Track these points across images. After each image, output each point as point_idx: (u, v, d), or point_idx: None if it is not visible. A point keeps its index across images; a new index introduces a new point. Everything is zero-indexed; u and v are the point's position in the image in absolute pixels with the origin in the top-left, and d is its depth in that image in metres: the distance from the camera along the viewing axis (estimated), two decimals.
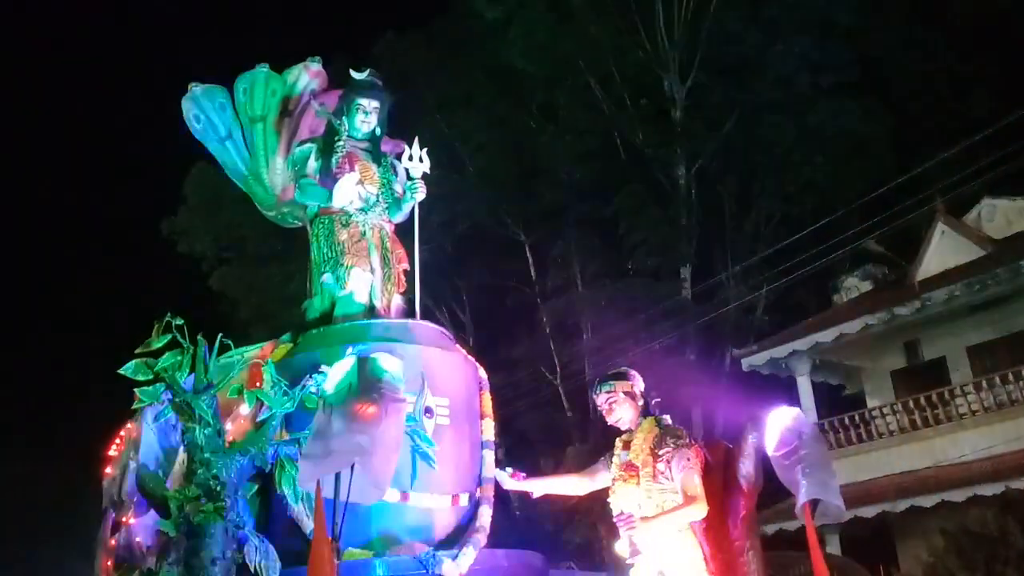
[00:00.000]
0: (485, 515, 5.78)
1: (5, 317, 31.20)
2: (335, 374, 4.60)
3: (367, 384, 4.38)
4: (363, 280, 6.36)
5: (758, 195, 22.20)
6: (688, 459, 4.75)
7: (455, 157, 24.35)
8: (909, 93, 22.09)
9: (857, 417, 17.19)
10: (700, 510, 4.67)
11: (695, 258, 22.16)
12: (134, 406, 4.91)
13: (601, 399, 5.11)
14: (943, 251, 17.11)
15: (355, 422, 4.17)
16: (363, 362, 4.54)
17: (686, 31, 22.45)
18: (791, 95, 21.25)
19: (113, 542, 5.43)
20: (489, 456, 6.04)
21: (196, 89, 6.93)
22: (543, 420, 22.75)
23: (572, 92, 23.45)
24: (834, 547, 16.41)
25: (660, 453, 4.81)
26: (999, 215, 17.48)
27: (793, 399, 18.22)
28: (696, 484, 4.69)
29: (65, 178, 40.20)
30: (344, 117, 6.64)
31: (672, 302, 21.19)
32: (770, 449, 4.94)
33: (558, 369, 23.41)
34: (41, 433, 25.64)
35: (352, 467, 4.09)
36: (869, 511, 15.68)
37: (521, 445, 19.63)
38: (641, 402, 5.05)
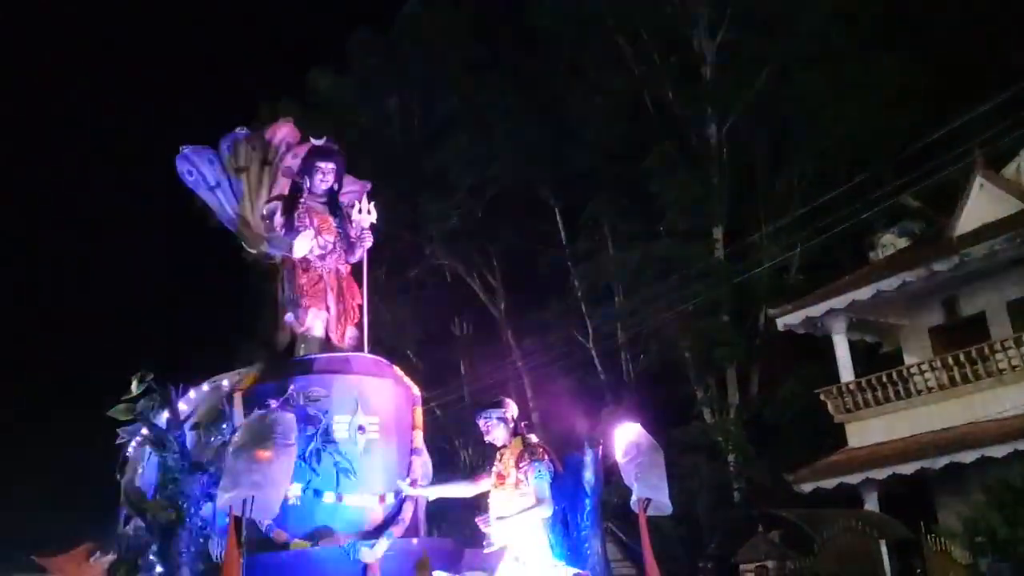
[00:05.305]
0: (407, 510, 6.91)
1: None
2: (246, 424, 6.08)
3: (266, 433, 5.82)
4: (319, 318, 7.61)
5: (791, 152, 21.86)
6: (540, 470, 6.12)
7: (483, 121, 24.25)
8: (945, 45, 21.55)
9: (895, 374, 17.02)
10: (546, 510, 6.10)
11: (727, 218, 21.93)
12: (117, 442, 6.39)
13: (480, 422, 6.47)
14: (982, 205, 16.76)
15: (254, 463, 5.69)
16: (262, 416, 6.01)
17: None
18: (824, 49, 20.82)
19: (126, 531, 6.80)
20: (417, 461, 7.19)
21: (186, 150, 8.03)
22: (576, 383, 22.80)
23: (600, 52, 23.18)
24: (873, 504, 16.38)
25: (521, 465, 6.18)
26: None
27: (829, 358, 18.09)
28: (545, 489, 6.09)
29: (98, 159, 40.53)
30: (306, 176, 7.83)
31: (705, 263, 21.05)
32: (618, 457, 6.28)
33: (590, 332, 23.40)
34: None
35: (254, 496, 5.59)
36: (908, 468, 15.59)
37: (555, 408, 19.67)
38: (512, 425, 6.41)
